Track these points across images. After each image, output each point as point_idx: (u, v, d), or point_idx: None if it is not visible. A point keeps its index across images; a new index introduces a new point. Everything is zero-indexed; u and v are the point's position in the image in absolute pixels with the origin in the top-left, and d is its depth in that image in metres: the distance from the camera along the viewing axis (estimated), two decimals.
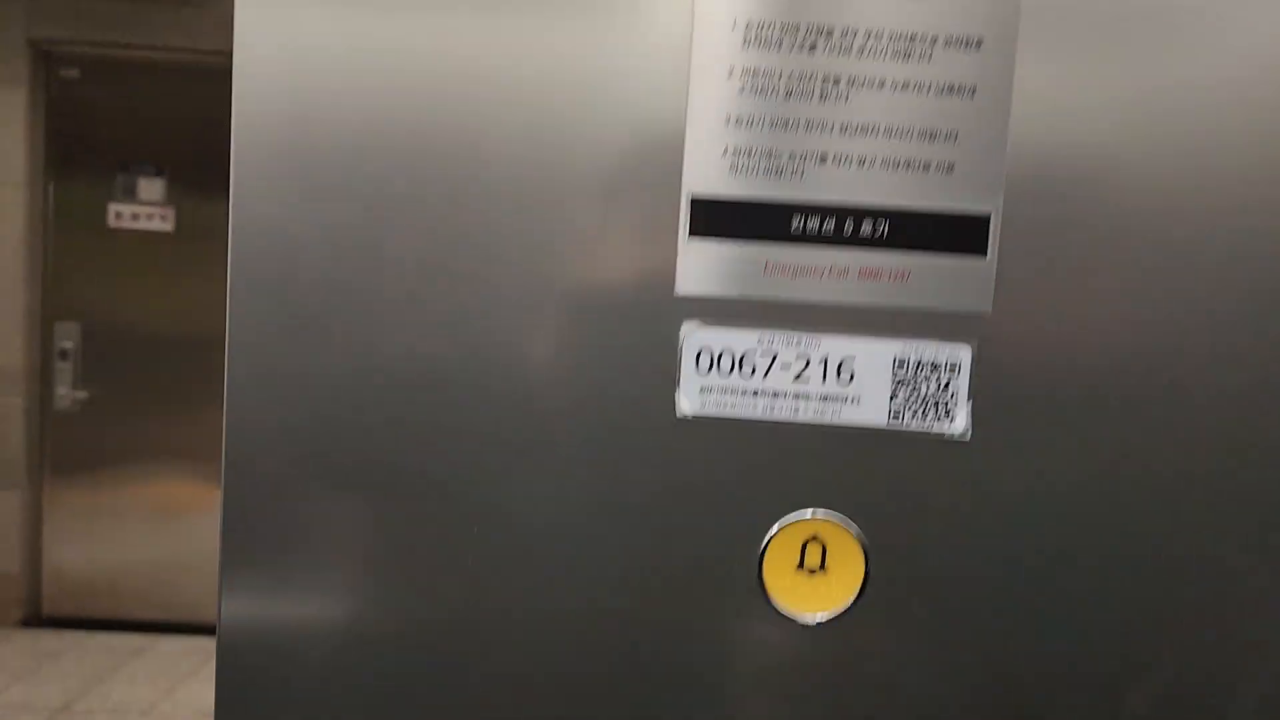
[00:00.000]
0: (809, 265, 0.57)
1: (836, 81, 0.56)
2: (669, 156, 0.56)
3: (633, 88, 0.56)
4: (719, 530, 0.58)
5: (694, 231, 0.57)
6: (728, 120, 0.56)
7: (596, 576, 0.59)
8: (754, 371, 0.58)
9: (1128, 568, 0.58)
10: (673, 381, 0.58)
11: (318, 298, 0.57)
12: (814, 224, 0.57)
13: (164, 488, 3.28)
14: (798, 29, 0.56)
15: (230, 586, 0.59)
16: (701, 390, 0.58)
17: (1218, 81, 0.56)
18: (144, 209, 3.21)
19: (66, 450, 3.28)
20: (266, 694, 0.59)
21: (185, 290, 3.18)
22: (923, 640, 0.59)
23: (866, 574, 0.58)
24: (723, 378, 0.58)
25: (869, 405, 0.58)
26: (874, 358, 0.58)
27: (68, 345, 3.23)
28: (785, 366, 0.58)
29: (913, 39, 0.56)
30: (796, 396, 0.58)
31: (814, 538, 0.59)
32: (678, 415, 0.58)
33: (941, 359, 0.57)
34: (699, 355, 0.58)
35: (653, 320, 0.57)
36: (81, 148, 3.20)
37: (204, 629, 3.21)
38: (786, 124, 0.56)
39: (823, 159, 0.56)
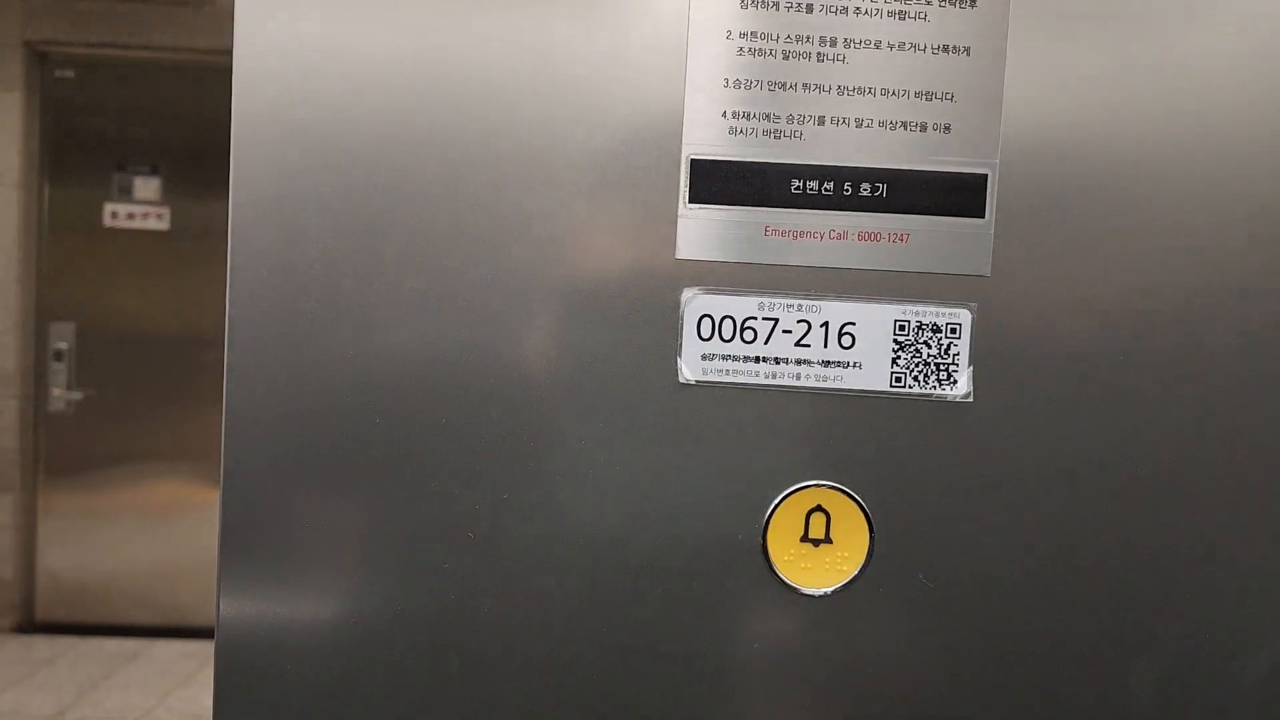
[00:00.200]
0: (809, 228, 0.57)
1: (834, 43, 0.56)
2: (668, 123, 0.56)
3: (631, 53, 0.56)
4: (722, 501, 0.58)
5: (694, 198, 0.57)
6: (726, 83, 0.56)
7: (599, 551, 0.58)
8: (755, 337, 0.58)
9: (1131, 528, 0.58)
10: (674, 349, 0.57)
11: (318, 298, 0.57)
12: (813, 186, 0.57)
13: (159, 490, 3.26)
14: None
15: (229, 586, 0.59)
16: (703, 357, 0.58)
17: (1219, 44, 0.56)
18: (140, 208, 3.20)
19: (61, 452, 3.26)
20: (265, 692, 0.59)
21: (181, 290, 3.17)
22: (928, 611, 0.59)
23: (871, 545, 0.58)
24: (725, 344, 0.58)
25: (871, 370, 0.58)
26: (875, 322, 0.57)
27: (63, 346, 3.22)
28: (786, 332, 0.58)
29: None
30: (798, 362, 0.58)
31: (818, 508, 0.58)
32: (679, 382, 0.58)
33: (942, 321, 0.57)
34: (700, 321, 0.57)
35: (653, 287, 0.57)
36: (77, 147, 3.20)
37: (200, 633, 3.19)
38: (784, 86, 0.56)
39: (821, 121, 0.56)
